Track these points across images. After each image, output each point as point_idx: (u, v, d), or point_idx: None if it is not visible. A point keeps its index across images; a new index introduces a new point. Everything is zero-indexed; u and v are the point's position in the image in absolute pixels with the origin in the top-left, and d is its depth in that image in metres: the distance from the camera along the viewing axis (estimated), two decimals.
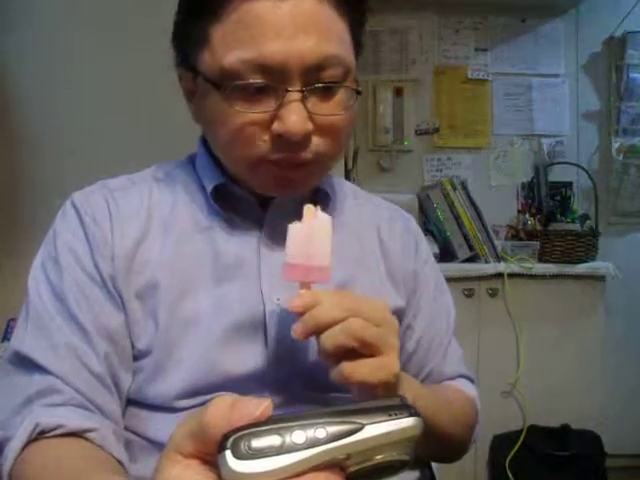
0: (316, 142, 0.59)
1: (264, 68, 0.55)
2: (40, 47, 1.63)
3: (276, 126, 0.56)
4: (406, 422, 0.29)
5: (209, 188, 0.65)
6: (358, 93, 0.60)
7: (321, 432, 0.27)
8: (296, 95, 0.56)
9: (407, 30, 2.35)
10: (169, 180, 0.69)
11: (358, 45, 0.63)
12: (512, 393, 1.96)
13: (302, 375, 0.62)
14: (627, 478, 2.15)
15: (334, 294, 0.53)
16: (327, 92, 0.58)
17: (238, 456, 0.27)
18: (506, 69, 2.37)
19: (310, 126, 0.57)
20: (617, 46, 2.35)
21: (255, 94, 0.56)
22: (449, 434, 0.67)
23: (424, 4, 2.32)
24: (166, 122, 1.49)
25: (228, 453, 0.27)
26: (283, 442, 0.27)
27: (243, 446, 0.27)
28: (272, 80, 0.55)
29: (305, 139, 0.57)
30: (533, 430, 1.94)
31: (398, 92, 2.32)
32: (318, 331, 0.51)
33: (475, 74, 2.37)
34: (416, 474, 0.66)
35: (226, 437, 0.28)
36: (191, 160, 0.72)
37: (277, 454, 0.27)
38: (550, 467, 1.91)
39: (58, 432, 0.52)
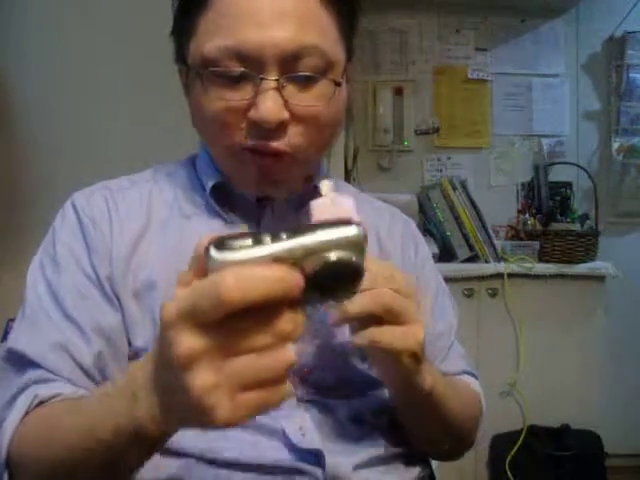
0: (293, 132, 0.59)
1: (241, 56, 0.56)
2: (40, 47, 1.63)
3: (252, 113, 0.57)
4: (350, 229, 0.37)
5: (208, 187, 0.65)
6: (337, 85, 0.59)
7: (283, 235, 0.36)
8: (272, 83, 0.56)
9: (407, 30, 2.35)
10: (169, 181, 0.70)
11: (349, 41, 0.63)
12: (512, 393, 1.95)
13: (302, 377, 0.62)
14: (627, 478, 2.15)
15: (371, 261, 0.54)
16: (306, 82, 0.58)
17: (220, 249, 0.35)
18: (506, 69, 2.37)
19: (285, 114, 0.57)
20: (617, 46, 2.35)
21: (233, 82, 0.57)
22: (458, 420, 0.66)
23: (424, 4, 2.32)
24: (166, 123, 1.49)
25: (212, 247, 0.35)
26: (255, 241, 0.35)
27: (225, 244, 0.35)
28: (249, 68, 0.56)
29: (279, 127, 0.57)
30: (533, 430, 1.93)
31: (398, 92, 2.32)
32: None
33: (475, 74, 2.36)
34: (415, 473, 0.66)
35: (209, 242, 0.36)
36: (191, 160, 0.73)
37: (250, 248, 0.35)
38: (550, 467, 1.90)
39: (56, 400, 0.54)
